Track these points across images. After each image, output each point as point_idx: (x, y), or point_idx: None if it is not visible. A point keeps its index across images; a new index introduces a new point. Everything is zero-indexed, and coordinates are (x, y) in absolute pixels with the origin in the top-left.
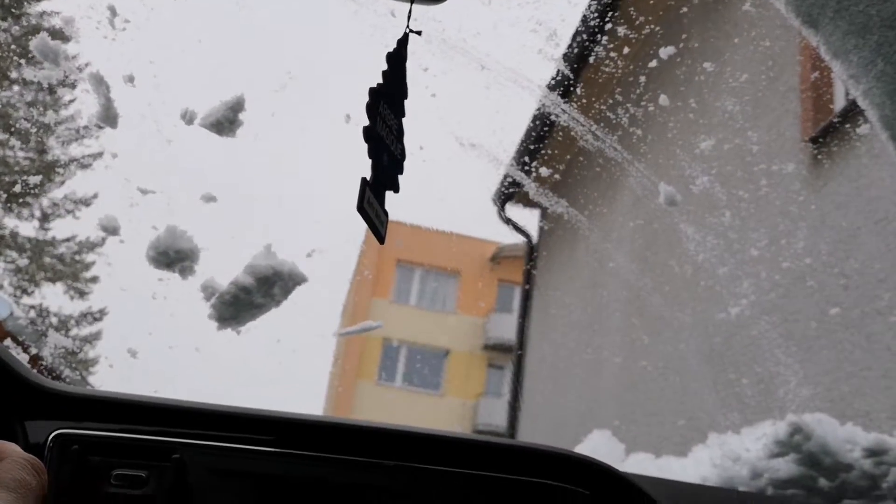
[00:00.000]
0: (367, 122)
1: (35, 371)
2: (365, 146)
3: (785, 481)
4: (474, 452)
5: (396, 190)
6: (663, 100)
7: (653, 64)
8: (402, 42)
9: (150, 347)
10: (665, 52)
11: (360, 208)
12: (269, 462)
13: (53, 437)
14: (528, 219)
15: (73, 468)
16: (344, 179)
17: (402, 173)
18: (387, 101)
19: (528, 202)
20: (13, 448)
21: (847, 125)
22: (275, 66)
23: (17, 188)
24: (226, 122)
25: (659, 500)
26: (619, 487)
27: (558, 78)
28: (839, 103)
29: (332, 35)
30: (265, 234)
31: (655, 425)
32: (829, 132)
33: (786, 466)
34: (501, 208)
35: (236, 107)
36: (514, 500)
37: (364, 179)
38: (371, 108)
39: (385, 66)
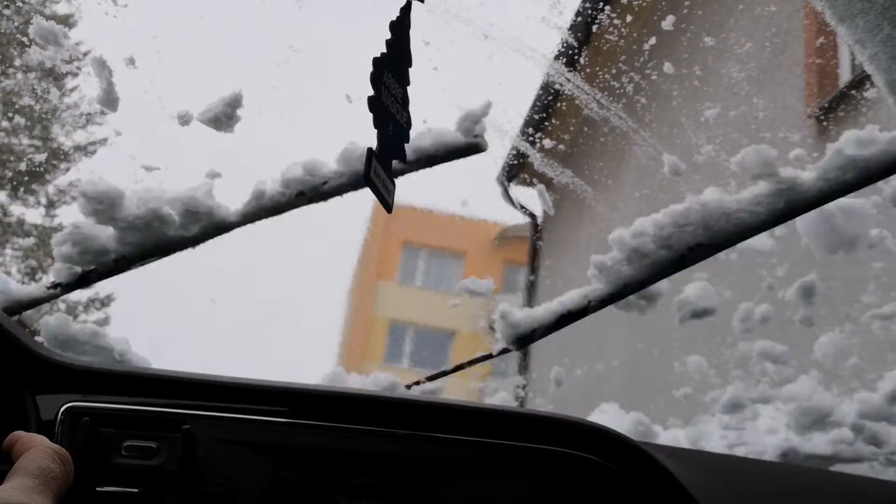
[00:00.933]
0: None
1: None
2: (367, 123)
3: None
4: (487, 421)
5: (403, 159)
6: (668, 67)
7: (654, 39)
8: (405, 10)
9: (156, 325)
10: (669, 20)
11: (367, 178)
12: (279, 432)
13: (64, 410)
14: (533, 199)
15: (85, 440)
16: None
17: (408, 142)
18: (391, 70)
19: (533, 182)
20: (41, 439)
21: (853, 96)
22: (277, 39)
23: (23, 166)
24: (224, 117)
25: (670, 467)
26: (632, 455)
27: (562, 48)
28: (845, 73)
29: (334, 7)
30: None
31: (661, 401)
32: (836, 102)
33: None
34: (506, 189)
35: (234, 102)
36: (527, 468)
37: (370, 150)
38: (375, 78)
39: (388, 36)
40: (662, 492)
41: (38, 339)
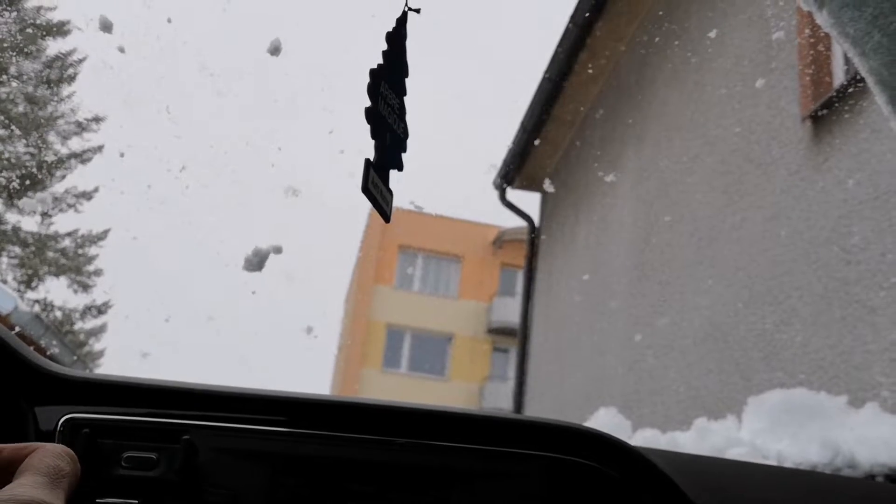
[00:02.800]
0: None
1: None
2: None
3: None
4: (485, 428)
5: (400, 168)
6: (663, 71)
7: (648, 40)
8: (401, 21)
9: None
10: (663, 23)
11: (365, 189)
12: (279, 442)
13: (63, 421)
14: (530, 202)
15: (84, 451)
16: (343, 166)
17: (405, 151)
18: (387, 81)
19: (529, 186)
20: (48, 443)
21: (847, 100)
22: (278, 59)
23: (16, 184)
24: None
25: (669, 472)
26: (629, 461)
27: (560, 57)
28: (838, 78)
29: (334, 21)
30: (267, 216)
31: (660, 404)
32: (829, 107)
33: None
34: (503, 192)
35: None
36: (527, 475)
37: (367, 160)
38: (372, 89)
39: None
40: (663, 498)
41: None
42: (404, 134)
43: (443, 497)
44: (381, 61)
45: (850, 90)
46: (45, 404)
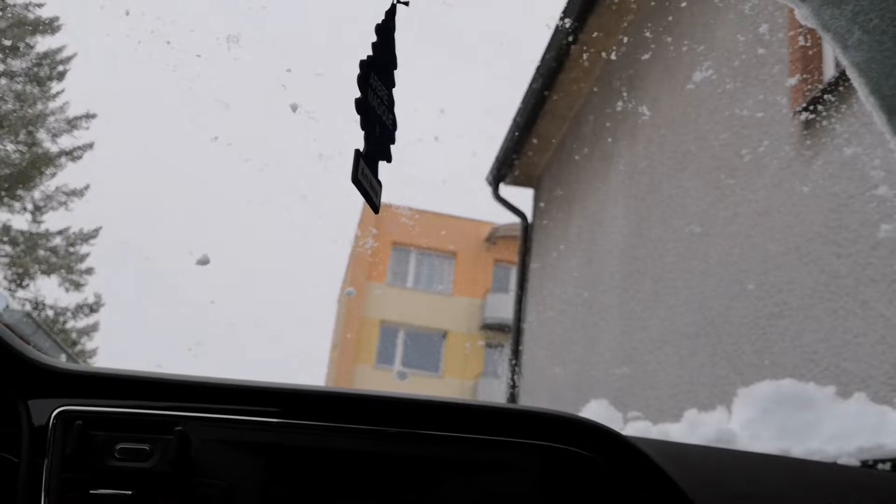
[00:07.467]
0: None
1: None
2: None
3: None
4: (478, 417)
5: (389, 160)
6: (654, 69)
7: (641, 41)
8: (390, 13)
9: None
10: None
11: (355, 180)
12: (272, 433)
13: (56, 414)
14: (523, 198)
15: (77, 444)
16: (335, 166)
17: (394, 143)
18: (377, 73)
19: (522, 182)
20: None
21: (837, 94)
22: (271, 55)
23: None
24: None
25: (660, 461)
26: (621, 449)
27: (549, 60)
28: (828, 72)
29: (324, 17)
30: (264, 215)
31: (652, 398)
32: (820, 102)
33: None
34: (496, 189)
35: None
36: (519, 464)
37: (357, 151)
38: (362, 80)
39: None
40: (652, 486)
41: None
42: (393, 125)
43: (437, 486)
44: (370, 52)
45: (840, 85)
46: (37, 397)
